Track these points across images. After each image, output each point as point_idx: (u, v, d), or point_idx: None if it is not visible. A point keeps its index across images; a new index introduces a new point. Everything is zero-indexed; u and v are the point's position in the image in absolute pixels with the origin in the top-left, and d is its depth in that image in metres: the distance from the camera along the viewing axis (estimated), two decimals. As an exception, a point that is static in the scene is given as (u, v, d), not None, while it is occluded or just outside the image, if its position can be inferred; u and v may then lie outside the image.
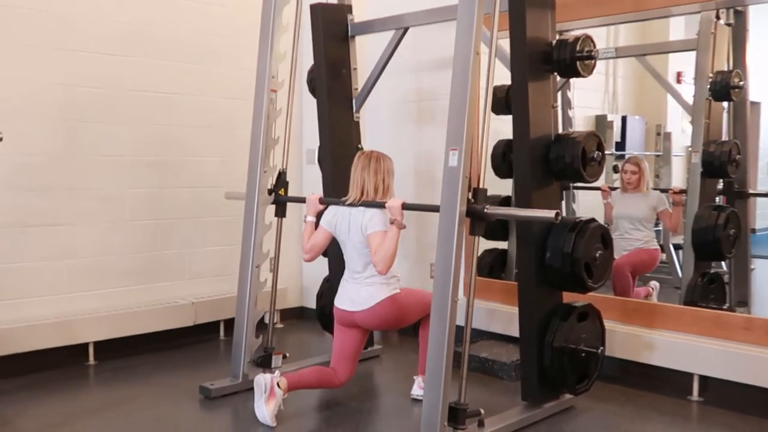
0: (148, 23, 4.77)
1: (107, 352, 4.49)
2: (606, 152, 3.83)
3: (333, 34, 4.31)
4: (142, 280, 4.78)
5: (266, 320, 4.18)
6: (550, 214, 3.01)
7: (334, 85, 4.31)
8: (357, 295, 3.54)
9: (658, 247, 5.13)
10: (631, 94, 6.83)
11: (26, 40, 4.26)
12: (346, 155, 4.35)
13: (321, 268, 5.14)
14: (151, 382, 4.13)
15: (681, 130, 7.40)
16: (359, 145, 4.45)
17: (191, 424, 3.59)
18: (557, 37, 3.58)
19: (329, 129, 4.30)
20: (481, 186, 3.11)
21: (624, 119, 6.42)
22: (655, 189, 5.29)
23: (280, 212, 4.13)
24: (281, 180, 4.10)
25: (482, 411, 3.26)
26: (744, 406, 3.63)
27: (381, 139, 4.95)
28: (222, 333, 5.11)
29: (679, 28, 5.51)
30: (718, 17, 4.57)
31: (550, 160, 3.47)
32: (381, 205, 3.45)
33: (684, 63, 5.38)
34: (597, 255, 3.45)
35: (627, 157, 5.39)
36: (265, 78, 3.98)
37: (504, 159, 4.87)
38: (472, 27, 3.05)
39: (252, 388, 3.83)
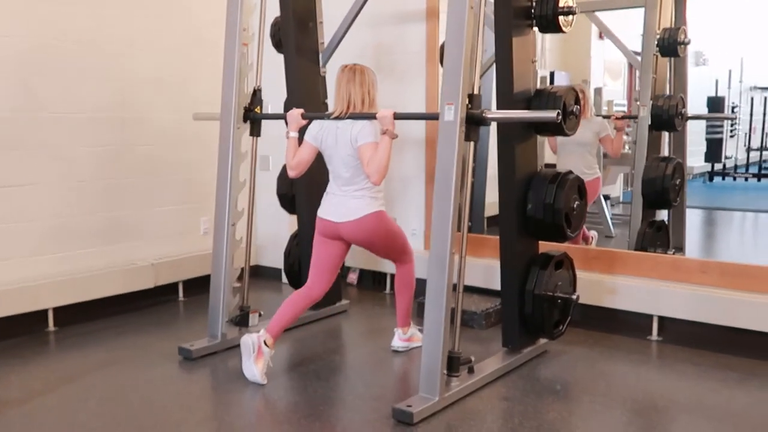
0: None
1: (67, 318, 4.33)
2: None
3: (300, -14, 4.21)
4: (100, 242, 4.61)
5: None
6: (551, 114, 3.12)
7: (301, 39, 4.24)
8: (344, 206, 3.50)
9: (600, 176, 5.34)
10: (557, 51, 7.04)
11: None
12: (313, 109, 4.30)
13: (274, 227, 5.12)
14: (122, 346, 4.02)
15: (603, 84, 7.73)
16: (325, 101, 4.41)
17: (179, 385, 3.53)
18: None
19: (297, 83, 4.23)
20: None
21: (552, 74, 6.63)
22: (597, 115, 5.49)
23: (256, 131, 4.04)
24: (257, 97, 4.00)
25: (473, 358, 3.39)
26: (700, 343, 3.92)
27: (332, 94, 4.90)
28: (181, 294, 5.01)
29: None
30: (664, -25, 4.78)
31: (531, 114, 3.56)
32: (370, 116, 3.42)
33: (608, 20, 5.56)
34: (575, 205, 3.59)
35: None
36: (236, 31, 3.87)
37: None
38: (466, -19, 3.06)
39: (232, 348, 3.87)
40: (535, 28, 3.62)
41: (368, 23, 4.84)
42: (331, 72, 4.41)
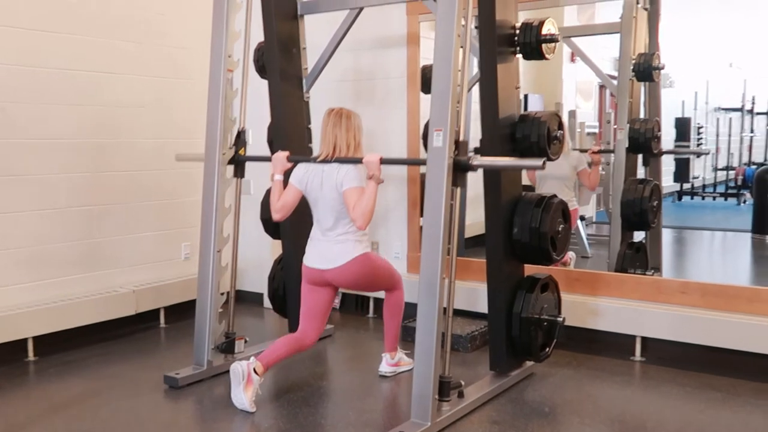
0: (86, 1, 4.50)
1: (47, 347, 4.25)
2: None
3: (283, 12, 4.23)
4: (80, 269, 4.55)
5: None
6: (537, 162, 3.16)
7: (285, 65, 4.25)
8: (329, 252, 3.50)
9: (577, 207, 5.43)
10: (530, 74, 7.16)
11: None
12: (297, 135, 4.35)
13: (255, 251, 5.09)
14: (105, 375, 3.95)
15: (575, 106, 7.87)
16: (309, 125, 4.42)
17: (166, 415, 3.48)
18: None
19: (281, 108, 4.24)
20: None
21: (526, 97, 6.73)
22: (574, 150, 5.59)
23: (239, 172, 4.04)
24: (241, 139, 4.00)
25: (463, 383, 3.40)
26: (682, 363, 3.98)
27: (319, 119, 4.92)
28: (162, 320, 4.95)
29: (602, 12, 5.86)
30: (638, 2, 4.90)
31: (516, 139, 3.61)
32: (356, 161, 3.43)
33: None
34: (560, 228, 3.64)
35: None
36: (221, 57, 3.87)
37: (435, 137, 4.99)
38: (453, 10, 3.11)
39: (218, 375, 3.84)
40: (519, 55, 3.69)
41: (349, 48, 4.87)
42: (315, 97, 4.47)
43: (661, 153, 5.17)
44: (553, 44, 3.62)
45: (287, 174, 3.62)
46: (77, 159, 4.52)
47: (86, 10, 4.52)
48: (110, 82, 4.68)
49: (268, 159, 3.81)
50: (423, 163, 3.34)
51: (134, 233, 4.87)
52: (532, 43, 3.57)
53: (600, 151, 5.43)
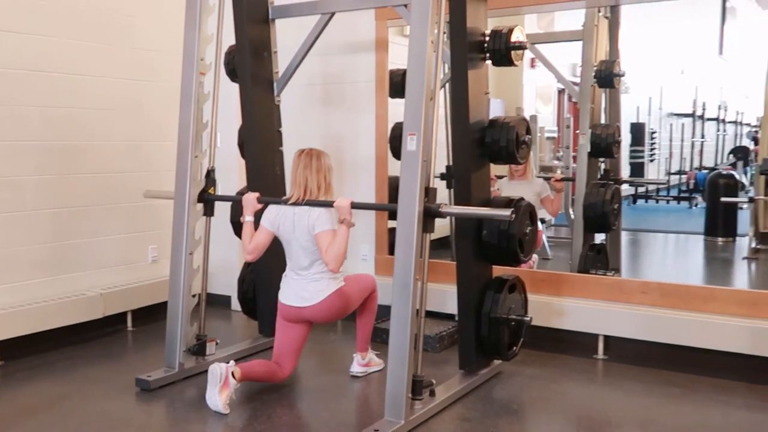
0: (48, 1, 4.45)
1: (14, 351, 4.19)
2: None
3: (254, 16, 4.25)
4: (47, 272, 4.50)
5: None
6: (505, 212, 3.27)
7: (256, 68, 4.27)
8: (305, 291, 3.57)
9: (542, 230, 5.58)
10: (491, 79, 7.30)
11: None
12: (268, 138, 4.38)
13: (222, 254, 5.08)
14: (75, 379, 3.93)
15: (535, 111, 8.05)
16: (279, 129, 4.46)
17: (139, 418, 3.48)
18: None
19: (252, 112, 4.26)
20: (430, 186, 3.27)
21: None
22: (538, 177, 5.74)
23: (209, 211, 4.06)
24: (210, 179, 4.03)
25: (434, 382, 3.48)
26: (643, 360, 4.12)
27: (288, 122, 4.94)
28: (130, 324, 4.92)
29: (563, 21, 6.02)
30: (599, 11, 5.06)
31: (486, 143, 3.71)
32: (327, 204, 3.49)
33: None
34: (527, 231, 3.74)
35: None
36: (194, 61, 3.89)
37: (401, 142, 5.05)
38: (427, 17, 3.19)
39: (190, 377, 3.85)
40: (488, 62, 3.78)
41: (318, 53, 4.89)
42: (284, 100, 4.50)
43: (621, 182, 5.40)
44: (521, 51, 3.73)
45: (257, 215, 3.67)
46: (45, 161, 4.47)
47: (55, 11, 4.48)
48: (80, 83, 4.64)
49: (237, 199, 3.88)
50: (393, 208, 3.40)
51: (102, 236, 4.83)
52: (502, 50, 3.68)
53: (563, 179, 5.58)
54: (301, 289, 3.58)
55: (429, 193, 3.24)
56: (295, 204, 3.52)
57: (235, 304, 5.27)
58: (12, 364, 4.12)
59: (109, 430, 3.27)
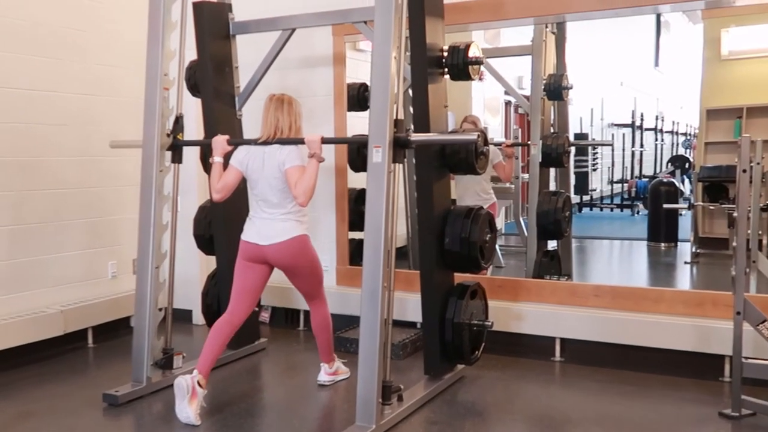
0: (4, 14, 4.42)
1: (-29, 371, 4.14)
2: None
3: (216, 32, 4.32)
4: (5, 290, 4.44)
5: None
6: (472, 136, 3.43)
7: (218, 83, 4.33)
8: (271, 229, 3.59)
9: (495, 201, 5.69)
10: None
11: None
12: (231, 152, 4.40)
13: (182, 267, 5.07)
14: (40, 397, 3.88)
15: (484, 122, 8.27)
16: (241, 143, 4.50)
17: (109, 432, 3.48)
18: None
19: (215, 126, 4.30)
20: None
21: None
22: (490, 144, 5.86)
23: (177, 157, 4.09)
24: (179, 124, 4.05)
25: (402, 387, 3.57)
26: (598, 361, 4.30)
27: (249, 136, 5.01)
28: (91, 340, 4.88)
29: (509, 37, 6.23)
30: (547, 27, 5.27)
31: (446, 155, 3.83)
32: (297, 142, 3.56)
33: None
34: (487, 238, 3.89)
35: (465, 116, 5.84)
36: (157, 76, 3.92)
37: (358, 153, 5.17)
38: (390, 32, 3.31)
39: (158, 391, 3.86)
40: (447, 76, 3.92)
41: (276, 67, 4.95)
42: (248, 114, 4.56)
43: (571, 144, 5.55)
44: (478, 66, 3.88)
45: (227, 157, 3.70)
46: (1, 177, 4.42)
47: (8, 26, 4.46)
48: (31, 99, 4.61)
49: (207, 143, 3.89)
50: (363, 140, 3.50)
51: (60, 252, 4.79)
52: (460, 65, 3.83)
53: (512, 144, 5.76)
54: (266, 228, 3.60)
55: (398, 124, 3.34)
56: (265, 143, 3.58)
57: (197, 318, 5.30)
58: (-29, 384, 4.07)
59: (80, 445, 3.27)
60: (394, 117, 3.33)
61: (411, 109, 3.88)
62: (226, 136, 3.75)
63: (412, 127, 3.92)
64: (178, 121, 4.06)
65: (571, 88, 5.37)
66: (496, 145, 5.78)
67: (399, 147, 3.37)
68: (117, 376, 4.07)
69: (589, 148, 11.27)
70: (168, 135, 4.01)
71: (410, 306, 4.65)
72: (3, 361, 4.28)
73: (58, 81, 4.76)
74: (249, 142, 3.69)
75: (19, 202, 4.54)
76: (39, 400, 3.84)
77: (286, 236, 3.59)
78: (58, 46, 4.76)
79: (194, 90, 4.53)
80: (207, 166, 4.47)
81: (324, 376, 4.02)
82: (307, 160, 3.50)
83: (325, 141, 3.54)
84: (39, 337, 4.47)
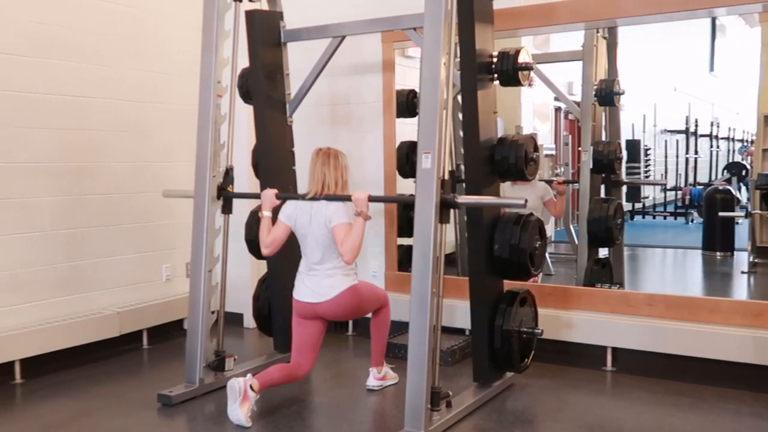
0: (58, 24, 4.56)
1: (34, 369, 4.27)
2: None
3: (268, 40, 4.38)
4: (64, 292, 4.58)
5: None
6: (519, 201, 3.36)
7: (270, 90, 4.39)
8: (319, 287, 3.65)
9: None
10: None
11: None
12: (281, 158, 4.49)
13: (234, 271, 5.16)
14: (95, 396, 4.00)
15: (533, 129, 8.20)
16: (292, 149, 4.57)
17: (162, 432, 3.56)
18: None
19: (266, 132, 4.38)
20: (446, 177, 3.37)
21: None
22: (540, 180, 5.84)
23: (227, 209, 4.16)
24: (229, 176, 4.12)
25: (450, 393, 3.56)
26: (651, 371, 4.22)
27: (298, 142, 5.07)
28: (146, 342, 5.00)
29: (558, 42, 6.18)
30: (598, 31, 5.21)
31: (495, 160, 3.82)
32: (344, 198, 3.59)
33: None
34: (537, 245, 3.85)
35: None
36: (211, 83, 4.00)
37: (407, 160, 5.19)
38: (439, 38, 3.32)
39: (210, 392, 3.92)
40: (496, 82, 3.91)
41: (326, 74, 5.01)
42: (298, 120, 4.62)
43: (622, 183, 5.53)
44: (528, 72, 3.86)
45: (275, 211, 3.76)
46: (59, 182, 4.57)
47: (65, 35, 4.60)
48: (90, 106, 4.75)
49: (256, 196, 3.97)
50: (410, 200, 3.52)
51: (116, 255, 4.92)
52: (509, 71, 3.81)
53: (565, 182, 5.71)
54: (315, 285, 3.65)
55: (444, 184, 3.33)
56: (312, 199, 3.62)
57: (248, 322, 5.38)
58: (33, 382, 4.20)
59: (134, 444, 3.35)
60: (441, 177, 3.31)
61: (460, 116, 3.91)
62: (275, 191, 3.81)
63: (462, 167, 3.91)
64: (228, 173, 4.13)
65: (623, 93, 5.29)
66: (548, 182, 5.74)
67: (446, 208, 3.36)
68: (170, 377, 4.16)
69: (642, 154, 11.08)
70: (219, 187, 4.10)
71: (459, 313, 4.63)
72: (62, 359, 4.42)
73: (113, 89, 4.90)
74: (297, 197, 3.75)
75: (76, 207, 4.68)
76: (95, 398, 3.95)
77: (335, 292, 3.64)
78: (113, 55, 4.90)
79: (246, 97, 4.61)
80: (258, 173, 4.58)
81: (373, 381, 4.04)
82: (354, 219, 3.53)
83: (372, 199, 3.56)
84: (96, 337, 4.60)
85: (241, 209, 4.90)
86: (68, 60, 4.62)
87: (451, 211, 3.41)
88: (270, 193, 3.79)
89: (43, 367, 4.31)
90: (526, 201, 3.37)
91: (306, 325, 3.74)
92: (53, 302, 4.51)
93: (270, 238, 3.70)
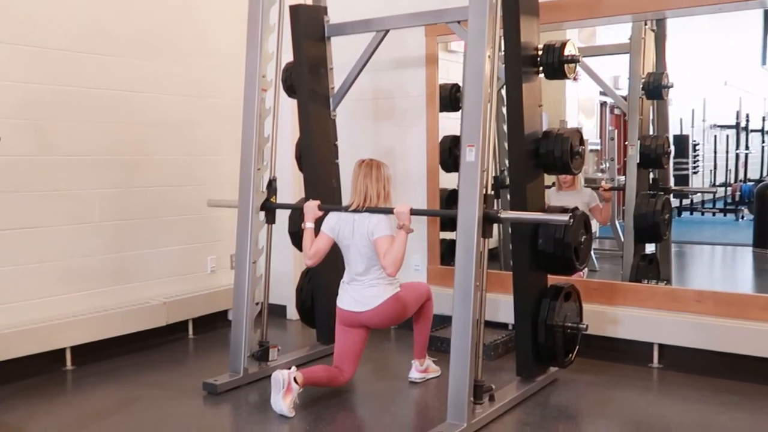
0: (109, 20, 4.67)
1: (83, 357, 4.39)
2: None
3: (312, 34, 4.41)
4: (111, 282, 4.69)
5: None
6: (564, 218, 3.34)
7: (313, 84, 4.43)
8: (362, 296, 3.68)
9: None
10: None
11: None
12: (325, 152, 4.52)
13: (276, 264, 5.21)
14: (142, 383, 4.09)
15: (578, 123, 8.09)
16: (335, 142, 4.59)
17: (210, 419, 3.64)
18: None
19: (310, 126, 4.41)
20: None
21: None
22: (586, 186, 5.78)
23: (271, 218, 4.21)
24: (272, 187, 4.17)
25: (493, 387, 3.55)
26: (699, 369, 4.13)
27: (341, 136, 5.09)
28: (191, 331, 5.09)
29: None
30: (646, 23, 5.11)
31: (540, 154, 3.79)
32: (386, 211, 3.61)
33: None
34: (582, 239, 3.81)
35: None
36: (256, 78, 4.05)
37: (450, 154, 5.17)
38: (484, 31, 3.30)
39: (254, 382, 3.98)
40: (541, 75, 3.87)
41: (369, 68, 5.02)
42: (341, 115, 4.64)
43: (671, 191, 5.45)
44: (573, 64, 3.81)
45: (318, 222, 3.80)
46: (108, 175, 4.68)
47: (116, 32, 4.70)
48: (139, 100, 4.85)
49: (299, 207, 4.02)
50: (452, 214, 3.52)
51: (162, 247, 5.01)
52: (555, 64, 3.77)
53: (611, 189, 5.63)
54: (358, 295, 3.69)
55: (487, 199, 3.33)
56: (355, 211, 3.65)
57: (291, 314, 5.43)
58: (83, 369, 4.31)
59: (181, 430, 3.42)
60: (484, 192, 3.31)
61: (504, 111, 3.88)
62: (317, 202, 3.85)
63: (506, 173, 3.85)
64: (272, 184, 4.17)
65: (671, 86, 5.19)
66: (594, 188, 5.66)
67: (488, 222, 3.36)
68: (215, 366, 4.23)
69: (690, 149, 10.85)
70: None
71: (502, 307, 4.60)
72: (110, 348, 4.53)
73: (161, 84, 4.99)
74: (340, 209, 3.78)
75: (125, 199, 4.78)
76: (143, 386, 4.04)
77: (378, 302, 3.66)
78: (162, 51, 4.99)
79: (290, 91, 4.64)
80: (302, 166, 4.61)
81: (415, 374, 4.05)
82: (396, 231, 3.54)
83: (414, 212, 3.57)
84: (143, 326, 4.70)
85: (285, 201, 4.95)
86: (118, 56, 4.72)
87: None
88: (312, 205, 3.83)
89: (92, 354, 4.42)
90: (571, 217, 3.34)
91: (349, 332, 3.77)
92: (102, 292, 4.63)
93: (313, 250, 3.75)
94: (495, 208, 3.38)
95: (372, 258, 3.63)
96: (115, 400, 3.82)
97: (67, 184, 4.45)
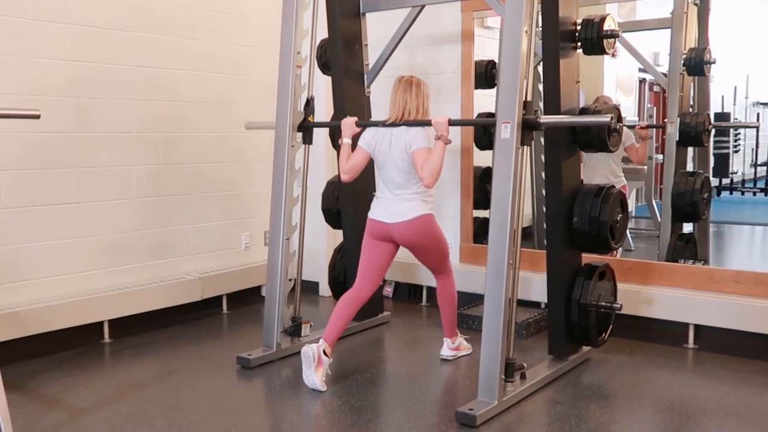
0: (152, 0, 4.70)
1: (121, 330, 4.49)
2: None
3: (346, 10, 4.40)
4: (149, 257, 4.76)
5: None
6: (605, 118, 3.33)
7: (348, 61, 4.41)
8: (396, 209, 3.64)
9: (626, 183, 5.48)
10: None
11: (32, 15, 4.11)
12: (359, 129, 4.50)
13: (309, 241, 5.24)
14: (178, 357, 4.16)
15: (616, 101, 7.94)
16: (370, 120, 4.58)
17: (244, 393, 3.68)
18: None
19: (344, 102, 4.40)
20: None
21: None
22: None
23: (308, 139, 4.22)
24: (310, 106, 4.17)
25: (525, 365, 3.54)
26: (736, 350, 4.07)
27: (375, 113, 5.08)
28: (225, 307, 5.16)
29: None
30: (688, -2, 4.98)
31: (577, 131, 3.73)
32: (424, 123, 3.58)
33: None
34: (618, 218, 3.76)
35: (597, 96, 5.62)
36: (291, 54, 4.05)
37: (485, 131, 5.12)
38: (521, 6, 3.25)
39: (286, 357, 4.02)
40: (579, 51, 3.80)
41: (404, 44, 4.99)
42: (376, 91, 4.63)
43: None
44: (613, 39, 3.74)
45: (355, 139, 3.77)
46: (147, 151, 4.73)
47: (155, 10, 4.73)
48: (177, 78, 4.88)
49: (336, 125, 3.99)
50: (491, 121, 3.49)
51: (198, 223, 5.07)
52: (594, 39, 3.70)
53: (648, 126, 5.52)
54: (392, 207, 3.65)
55: (527, 105, 3.28)
56: (393, 125, 3.62)
57: (323, 290, 5.47)
58: (120, 342, 4.40)
59: (217, 402, 3.46)
60: (523, 98, 3.27)
61: (540, 88, 3.82)
62: (355, 118, 3.81)
63: (541, 107, 3.84)
64: (309, 103, 4.17)
65: (714, 62, 5.06)
66: (629, 126, 5.56)
67: (527, 129, 3.31)
68: (249, 341, 4.30)
69: (731, 128, 10.60)
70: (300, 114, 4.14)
71: (534, 286, 4.58)
72: (147, 322, 4.62)
73: (198, 61, 5.01)
74: (377, 124, 3.74)
75: (164, 175, 4.84)
76: (179, 359, 4.11)
77: (412, 215, 3.62)
78: (199, 29, 5.01)
79: (325, 68, 4.64)
80: (335, 143, 4.61)
81: (446, 351, 4.05)
82: (434, 142, 3.50)
83: (452, 123, 3.52)
84: (179, 301, 4.78)
85: (318, 179, 4.97)
86: (157, 33, 4.75)
87: (529, 178, 3.35)
88: (350, 121, 3.80)
89: (130, 327, 4.51)
90: (613, 118, 3.27)
91: (377, 246, 3.74)
92: (139, 267, 4.70)
93: (349, 164, 3.71)
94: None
95: (410, 172, 3.59)
96: (151, 372, 3.89)
97: (107, 160, 4.51)
